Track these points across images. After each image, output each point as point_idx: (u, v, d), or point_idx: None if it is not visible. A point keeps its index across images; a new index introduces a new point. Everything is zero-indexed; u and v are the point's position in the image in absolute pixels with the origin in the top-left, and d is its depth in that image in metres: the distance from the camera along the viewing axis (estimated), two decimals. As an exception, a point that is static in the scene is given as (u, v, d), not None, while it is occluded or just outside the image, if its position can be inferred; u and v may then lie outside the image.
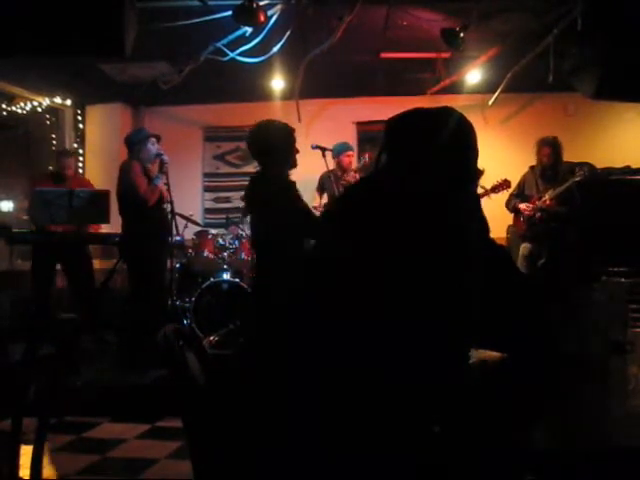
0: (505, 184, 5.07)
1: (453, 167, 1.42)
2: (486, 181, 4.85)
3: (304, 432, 1.26)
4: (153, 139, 4.38)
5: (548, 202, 4.91)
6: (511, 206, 5.26)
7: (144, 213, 4.23)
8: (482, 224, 1.45)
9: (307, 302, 1.37)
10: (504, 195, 5.17)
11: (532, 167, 5.23)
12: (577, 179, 4.69)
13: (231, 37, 4.71)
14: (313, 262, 1.46)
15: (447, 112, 1.44)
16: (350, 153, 5.55)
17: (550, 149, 5.03)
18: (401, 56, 5.56)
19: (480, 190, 4.89)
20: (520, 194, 5.24)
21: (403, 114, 1.46)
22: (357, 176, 5.12)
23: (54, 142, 6.70)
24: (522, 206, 5.15)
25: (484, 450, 1.33)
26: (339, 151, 5.40)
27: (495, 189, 4.99)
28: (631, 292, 2.51)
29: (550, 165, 5.03)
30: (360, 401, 1.26)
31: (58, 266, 5.14)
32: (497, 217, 5.13)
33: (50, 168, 5.99)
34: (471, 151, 1.45)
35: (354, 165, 5.64)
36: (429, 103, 1.47)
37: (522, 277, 1.57)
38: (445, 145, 1.39)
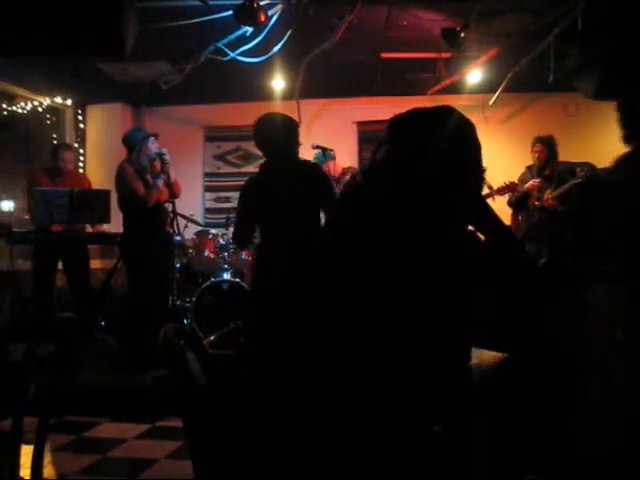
0: (511, 186, 5.10)
1: (452, 166, 1.42)
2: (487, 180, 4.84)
3: (304, 432, 1.26)
4: (152, 138, 4.38)
5: (550, 201, 4.90)
6: (514, 199, 5.20)
7: (144, 214, 4.23)
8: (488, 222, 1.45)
9: (309, 300, 1.37)
10: (506, 198, 5.19)
11: (529, 167, 5.23)
12: (578, 181, 4.68)
13: (231, 37, 4.71)
14: (316, 260, 1.46)
15: (447, 111, 1.44)
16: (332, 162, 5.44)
17: (543, 146, 5.03)
18: (401, 56, 5.55)
19: (486, 190, 4.90)
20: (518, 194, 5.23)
21: (404, 114, 1.47)
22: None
23: (55, 142, 6.70)
24: (529, 184, 5.07)
25: (484, 450, 1.32)
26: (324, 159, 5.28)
27: (500, 191, 5.03)
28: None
29: (543, 163, 5.04)
30: (361, 400, 1.26)
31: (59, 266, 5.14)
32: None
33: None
34: (470, 150, 1.45)
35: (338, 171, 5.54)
36: (429, 103, 1.48)
37: (524, 277, 1.57)
38: (444, 144, 1.39)
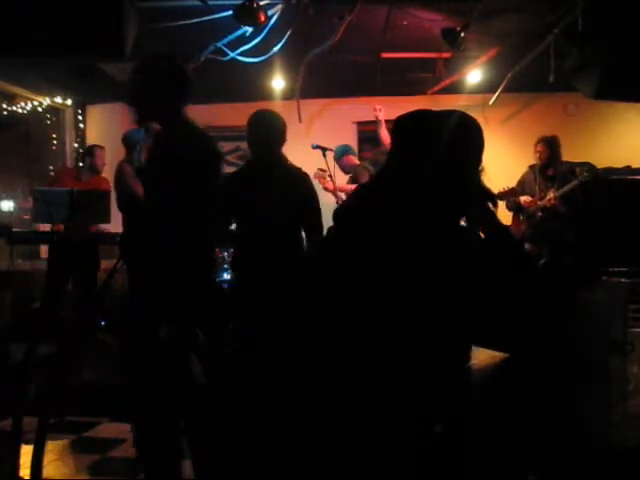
0: (510, 191, 5.16)
1: (457, 168, 1.42)
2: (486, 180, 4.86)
3: (303, 431, 1.26)
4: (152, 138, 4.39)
5: (553, 201, 4.91)
6: (511, 203, 5.25)
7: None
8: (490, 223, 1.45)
9: (311, 302, 1.37)
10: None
11: (531, 166, 5.24)
12: (582, 180, 4.68)
13: (231, 37, 4.71)
14: (323, 261, 1.47)
15: (455, 114, 1.45)
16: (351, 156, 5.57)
17: (545, 146, 5.04)
18: (401, 56, 5.56)
19: None
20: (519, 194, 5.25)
21: (411, 114, 1.47)
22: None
23: (55, 142, 6.71)
24: (523, 198, 5.14)
25: (485, 450, 1.32)
26: (342, 153, 5.39)
27: (500, 196, 5.05)
28: (631, 292, 2.51)
29: (546, 163, 5.05)
30: (361, 401, 1.25)
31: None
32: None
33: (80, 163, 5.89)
34: (476, 153, 1.46)
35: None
36: (429, 103, 1.48)
37: (524, 277, 1.57)
38: (451, 147, 1.40)
